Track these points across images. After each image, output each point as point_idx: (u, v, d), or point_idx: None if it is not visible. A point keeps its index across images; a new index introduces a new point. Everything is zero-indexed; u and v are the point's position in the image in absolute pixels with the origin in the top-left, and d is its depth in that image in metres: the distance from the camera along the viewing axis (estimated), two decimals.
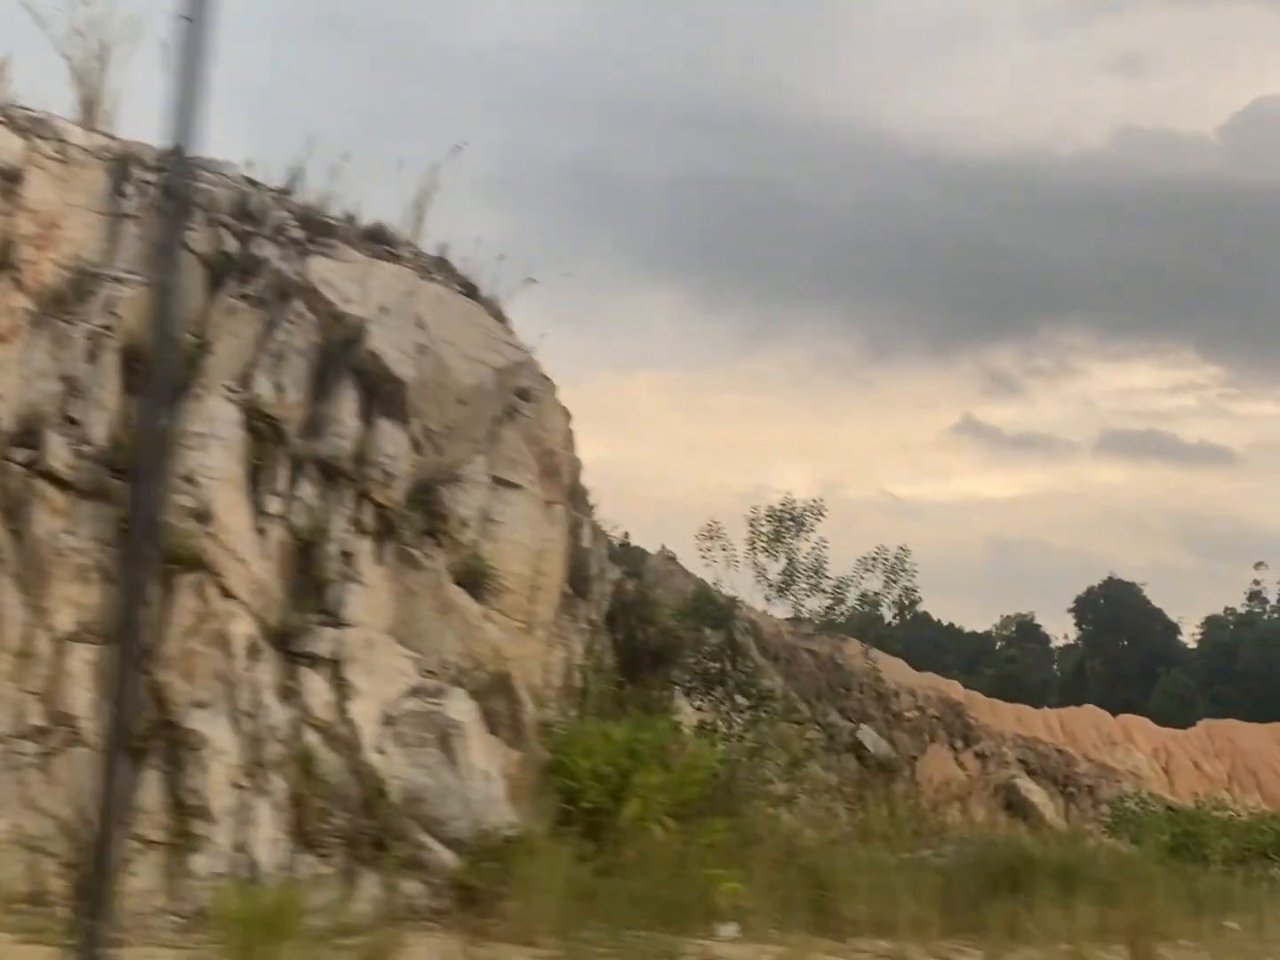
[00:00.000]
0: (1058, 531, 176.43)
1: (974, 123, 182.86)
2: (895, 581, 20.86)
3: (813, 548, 19.06)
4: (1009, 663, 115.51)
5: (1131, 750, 33.55)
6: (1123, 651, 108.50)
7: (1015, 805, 25.87)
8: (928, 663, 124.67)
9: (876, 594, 20.83)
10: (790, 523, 18.34)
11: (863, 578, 20.68)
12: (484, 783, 9.37)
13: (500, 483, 10.92)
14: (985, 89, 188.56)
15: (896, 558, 20.57)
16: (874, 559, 20.63)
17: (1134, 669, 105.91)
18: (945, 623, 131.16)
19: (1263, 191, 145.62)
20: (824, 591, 19.81)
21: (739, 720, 16.91)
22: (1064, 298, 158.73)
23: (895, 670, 31.82)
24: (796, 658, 27.51)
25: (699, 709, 16.67)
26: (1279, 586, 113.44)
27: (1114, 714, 39.71)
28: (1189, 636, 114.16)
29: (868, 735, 26.71)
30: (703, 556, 18.30)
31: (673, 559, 27.05)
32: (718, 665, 16.67)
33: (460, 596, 10.38)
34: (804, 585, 19.22)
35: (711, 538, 18.26)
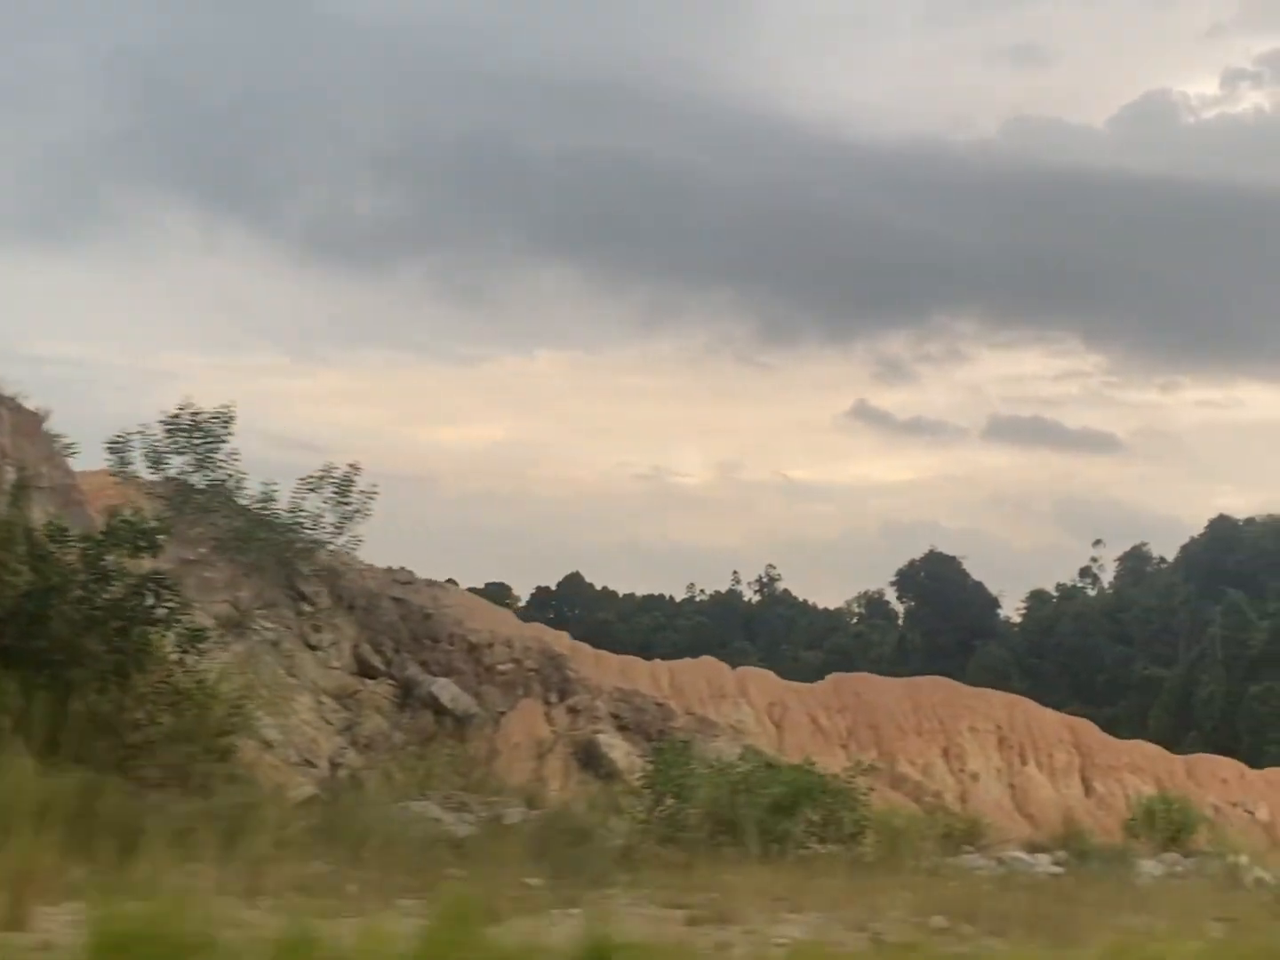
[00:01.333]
0: (948, 514, 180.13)
1: (872, 109, 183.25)
2: (343, 502, 18.85)
3: (224, 461, 16.98)
4: (856, 638, 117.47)
5: (741, 704, 33.33)
6: (941, 624, 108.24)
7: (593, 761, 24.72)
8: (779, 637, 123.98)
9: (319, 511, 18.75)
10: (197, 434, 16.21)
11: (305, 497, 18.63)
12: None
13: None
14: (884, 76, 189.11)
15: (345, 478, 18.63)
16: (320, 478, 18.69)
17: (952, 642, 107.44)
18: (802, 599, 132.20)
19: (1149, 183, 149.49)
20: (239, 501, 17.67)
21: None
22: (956, 285, 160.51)
23: (497, 620, 30.25)
24: (377, 605, 25.43)
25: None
26: (1116, 564, 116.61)
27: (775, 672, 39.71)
28: (1014, 611, 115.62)
29: (446, 689, 25.08)
30: (113, 474, 16.00)
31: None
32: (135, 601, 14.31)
33: None
34: (220, 500, 17.08)
35: (122, 450, 15.97)
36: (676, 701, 29.93)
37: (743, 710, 32.64)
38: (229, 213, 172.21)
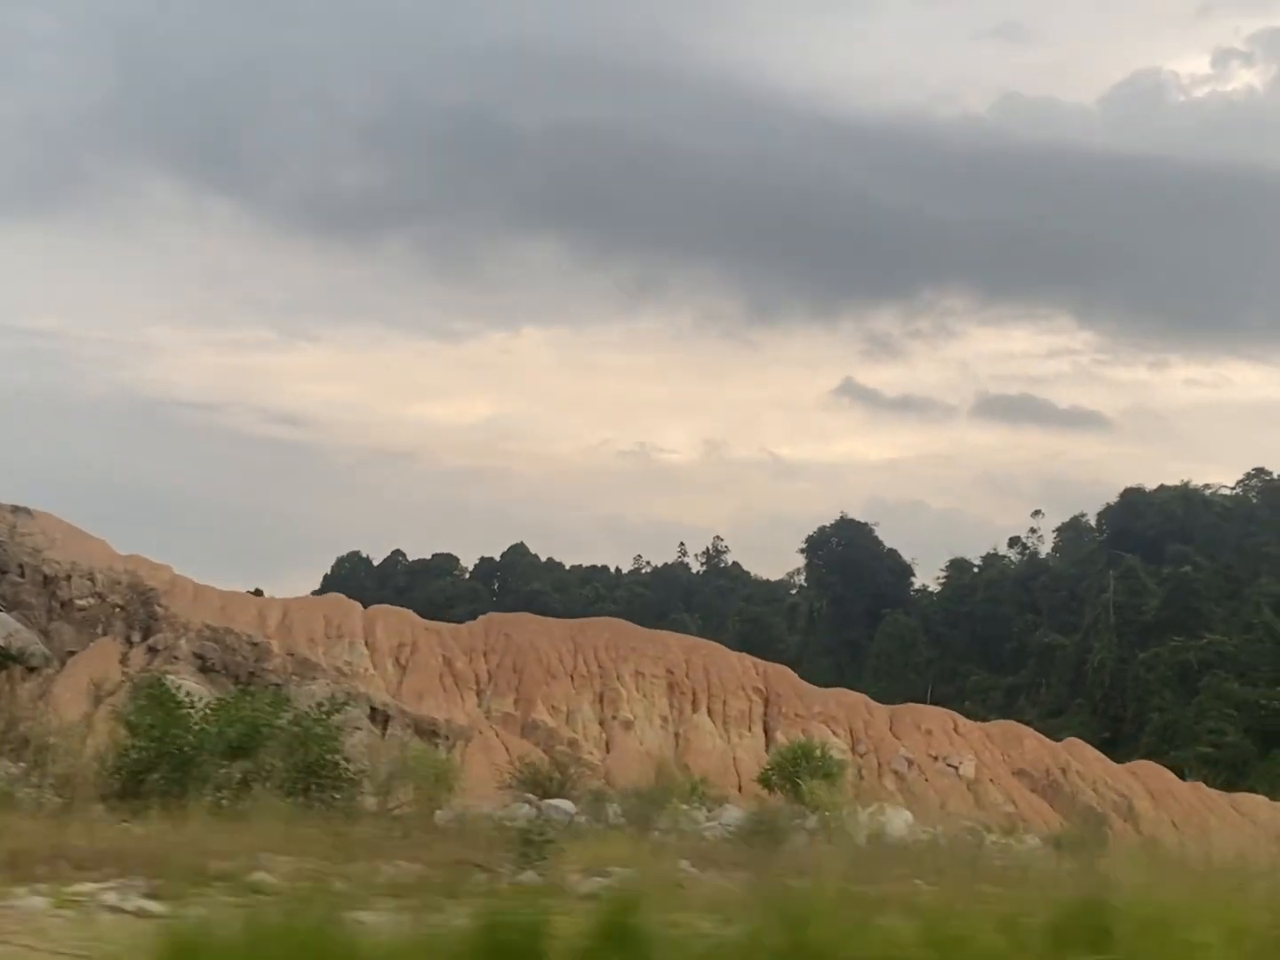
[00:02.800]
0: (934, 492, 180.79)
1: (860, 83, 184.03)
2: None
3: None
4: (791, 609, 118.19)
5: (358, 645, 34.38)
6: (850, 592, 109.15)
7: None
8: (718, 606, 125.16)
9: None
10: None
11: None
12: None
13: None
14: (872, 51, 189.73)
15: None
16: None
17: (859, 610, 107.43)
18: (748, 571, 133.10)
19: (1141, 161, 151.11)
20: None
21: None
22: (945, 261, 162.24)
23: (87, 551, 30.55)
24: None
25: None
26: (1055, 535, 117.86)
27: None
28: (933, 580, 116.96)
29: (2, 625, 26.37)
30: None
31: None
32: None
33: None
34: None
35: None
36: (283, 641, 30.96)
37: (356, 651, 33.55)
38: (214, 184, 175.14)
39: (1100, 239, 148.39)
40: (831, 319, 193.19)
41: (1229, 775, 70.24)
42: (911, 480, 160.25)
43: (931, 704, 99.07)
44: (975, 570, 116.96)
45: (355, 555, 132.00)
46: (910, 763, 39.23)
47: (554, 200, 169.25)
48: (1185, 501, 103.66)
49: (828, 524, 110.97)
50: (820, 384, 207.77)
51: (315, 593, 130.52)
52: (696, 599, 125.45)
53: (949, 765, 40.96)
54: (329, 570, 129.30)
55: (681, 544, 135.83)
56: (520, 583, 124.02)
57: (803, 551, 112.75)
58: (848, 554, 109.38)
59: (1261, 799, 43.09)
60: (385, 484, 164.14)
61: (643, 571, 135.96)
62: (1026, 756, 40.89)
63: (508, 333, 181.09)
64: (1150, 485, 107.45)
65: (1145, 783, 41.15)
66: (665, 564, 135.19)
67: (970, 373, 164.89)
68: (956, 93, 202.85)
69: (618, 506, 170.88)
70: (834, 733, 38.84)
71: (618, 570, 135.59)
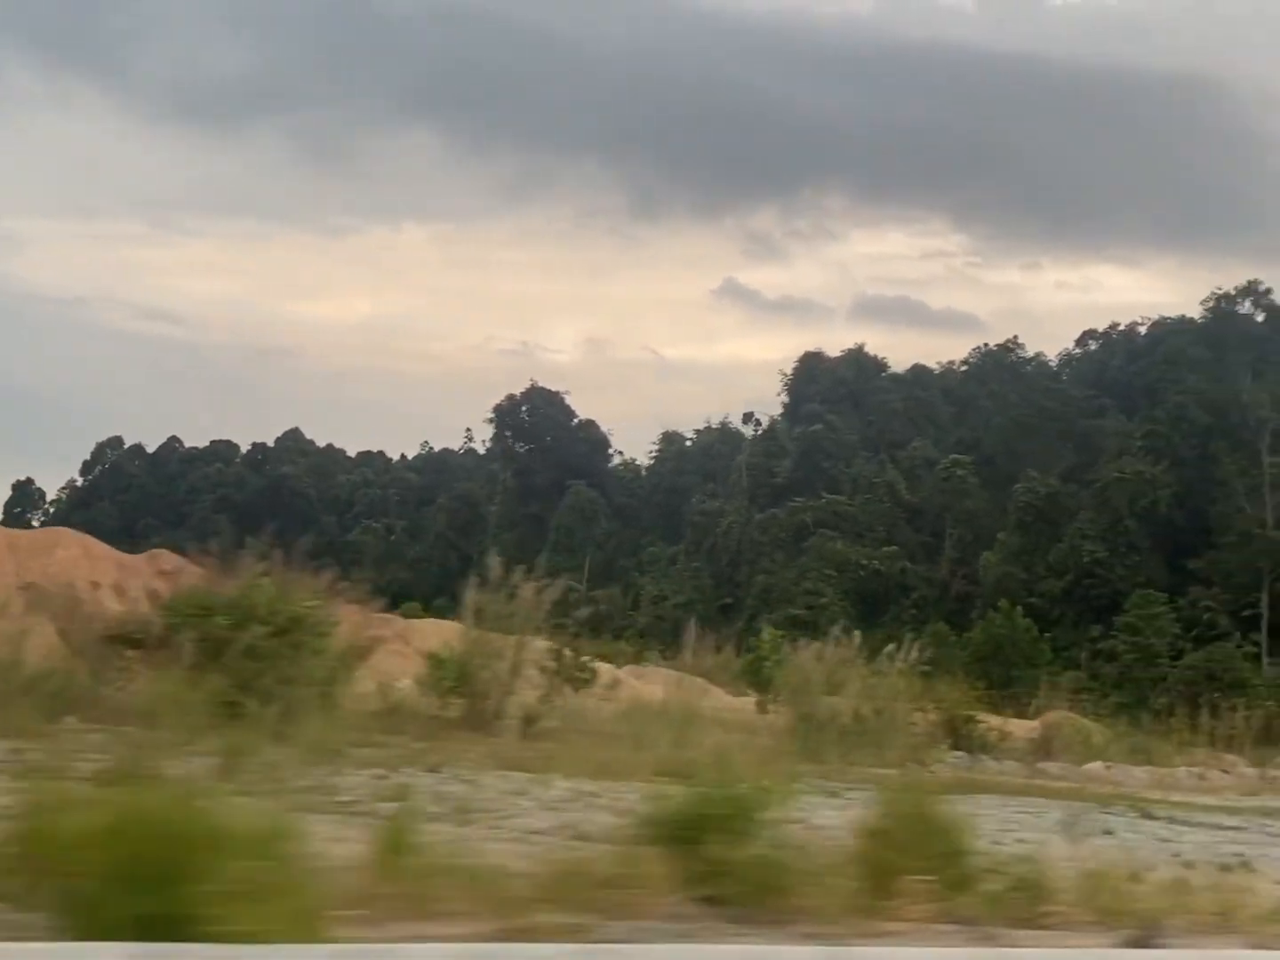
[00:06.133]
0: None
1: None
2: None
3: None
4: (492, 480, 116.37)
5: None
6: (537, 463, 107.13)
7: None
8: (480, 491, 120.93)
9: None
10: None
11: None
12: None
13: None
14: None
15: None
16: None
17: (546, 481, 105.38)
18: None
19: (1016, 61, 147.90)
20: None
21: None
22: (824, 161, 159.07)
23: None
24: None
25: None
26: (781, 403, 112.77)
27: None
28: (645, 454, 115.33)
29: None
30: None
31: None
32: None
33: None
34: None
35: None
36: None
37: None
38: (75, 66, 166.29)
39: (976, 139, 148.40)
40: (714, 217, 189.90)
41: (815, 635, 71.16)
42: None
43: (608, 579, 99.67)
44: (687, 444, 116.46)
45: (118, 440, 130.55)
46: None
47: (435, 90, 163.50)
48: (857, 366, 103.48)
49: (517, 393, 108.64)
50: (704, 283, 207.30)
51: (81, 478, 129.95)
52: (456, 482, 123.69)
53: None
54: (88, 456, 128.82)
55: (468, 429, 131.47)
56: (273, 468, 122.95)
57: (490, 421, 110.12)
58: (535, 424, 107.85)
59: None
60: (267, 383, 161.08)
61: (411, 458, 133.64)
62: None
63: (389, 229, 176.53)
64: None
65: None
66: (448, 449, 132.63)
67: (849, 275, 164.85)
68: None
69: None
70: None
71: (386, 455, 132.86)
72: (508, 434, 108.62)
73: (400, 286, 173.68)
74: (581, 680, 18.13)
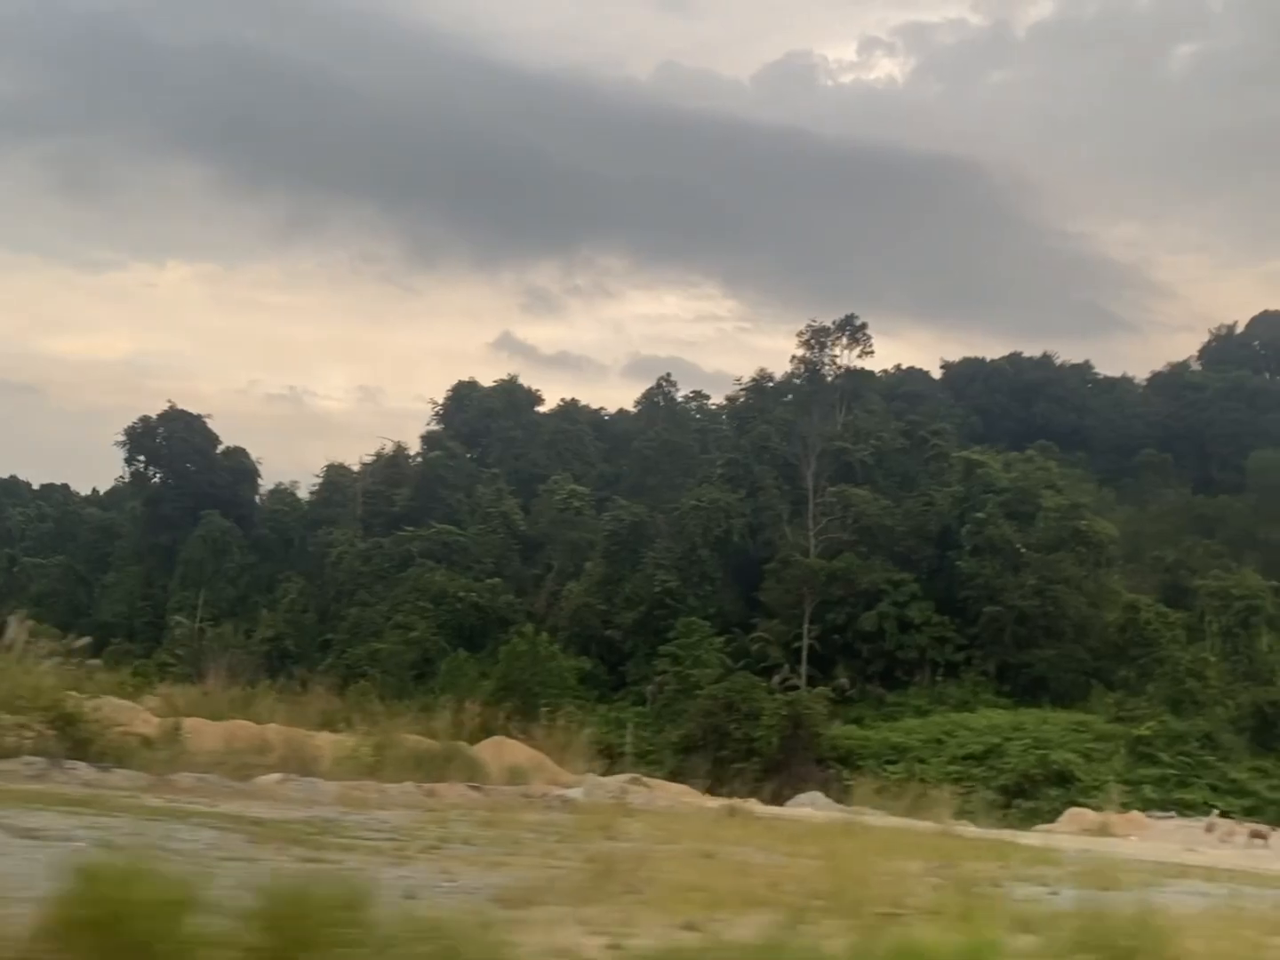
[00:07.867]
0: None
1: (521, 34, 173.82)
2: None
3: None
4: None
5: None
6: (169, 491, 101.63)
7: None
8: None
9: None
10: None
11: None
12: None
13: None
14: (539, 5, 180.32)
15: None
16: None
17: (179, 510, 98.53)
18: None
19: (789, 136, 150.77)
20: None
21: None
22: (604, 220, 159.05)
23: None
24: None
25: None
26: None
27: None
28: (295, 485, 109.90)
29: None
30: None
31: None
32: None
33: None
34: None
35: None
36: None
37: None
38: None
39: (749, 209, 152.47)
40: (493, 270, 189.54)
41: (401, 679, 67.28)
42: None
43: (241, 614, 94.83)
44: (355, 474, 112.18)
45: None
46: None
47: (204, 124, 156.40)
48: (507, 397, 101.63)
49: (153, 415, 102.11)
50: (480, 336, 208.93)
51: None
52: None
53: None
54: None
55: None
56: None
57: (122, 444, 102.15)
58: (173, 450, 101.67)
59: None
60: (8, 419, 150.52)
61: (99, 493, 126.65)
62: None
63: (152, 265, 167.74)
64: None
65: None
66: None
67: (624, 334, 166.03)
68: (621, 56, 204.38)
69: (260, 451, 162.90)
70: None
71: (94, 491, 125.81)
72: (140, 459, 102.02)
73: (162, 325, 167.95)
74: None
